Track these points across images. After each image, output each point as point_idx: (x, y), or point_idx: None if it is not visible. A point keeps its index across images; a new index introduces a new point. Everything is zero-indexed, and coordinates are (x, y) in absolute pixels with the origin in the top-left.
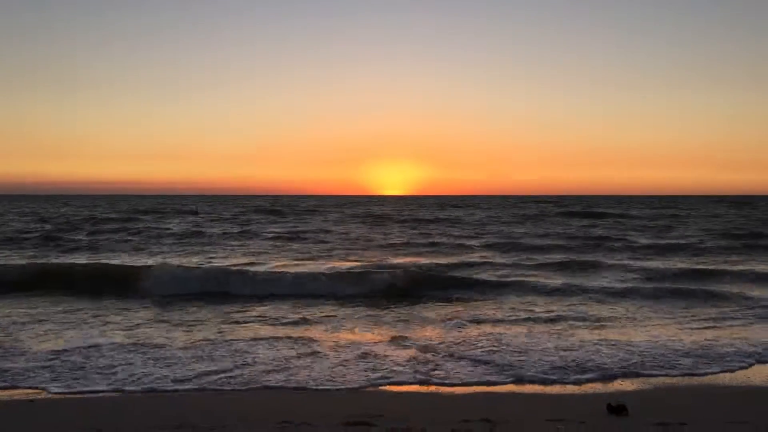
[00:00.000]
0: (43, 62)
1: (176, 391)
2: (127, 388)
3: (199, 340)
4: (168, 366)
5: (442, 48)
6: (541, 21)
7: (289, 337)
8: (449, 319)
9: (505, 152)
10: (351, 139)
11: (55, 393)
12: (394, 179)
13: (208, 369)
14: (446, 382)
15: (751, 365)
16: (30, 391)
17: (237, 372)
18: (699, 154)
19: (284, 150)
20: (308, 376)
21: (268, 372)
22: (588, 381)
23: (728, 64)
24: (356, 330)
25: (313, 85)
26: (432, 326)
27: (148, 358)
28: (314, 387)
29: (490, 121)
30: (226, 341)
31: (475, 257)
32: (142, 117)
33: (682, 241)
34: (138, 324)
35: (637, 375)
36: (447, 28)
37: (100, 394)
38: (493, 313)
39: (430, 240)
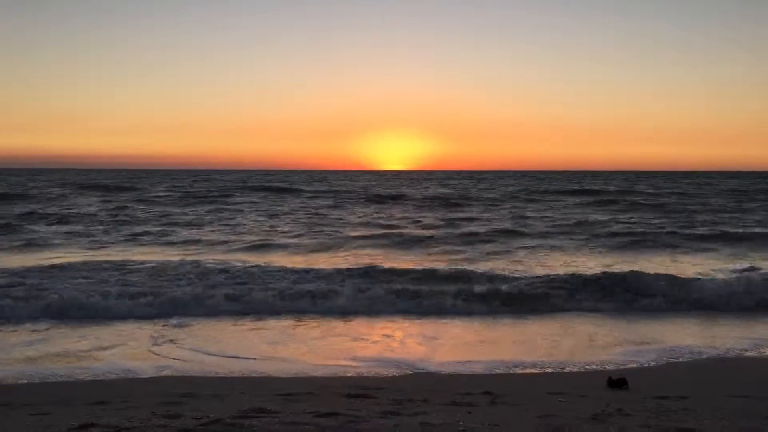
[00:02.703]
0: (41, 38)
1: None
2: None
3: None
4: None
5: (447, 16)
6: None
7: None
8: None
9: (509, 126)
10: (351, 109)
11: None
12: (397, 153)
13: None
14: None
15: None
16: None
17: None
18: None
19: (283, 123)
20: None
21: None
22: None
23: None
24: None
25: (310, 54)
26: None
27: None
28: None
29: (495, 93)
30: None
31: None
32: (137, 92)
33: None
34: None
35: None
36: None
37: None
38: None
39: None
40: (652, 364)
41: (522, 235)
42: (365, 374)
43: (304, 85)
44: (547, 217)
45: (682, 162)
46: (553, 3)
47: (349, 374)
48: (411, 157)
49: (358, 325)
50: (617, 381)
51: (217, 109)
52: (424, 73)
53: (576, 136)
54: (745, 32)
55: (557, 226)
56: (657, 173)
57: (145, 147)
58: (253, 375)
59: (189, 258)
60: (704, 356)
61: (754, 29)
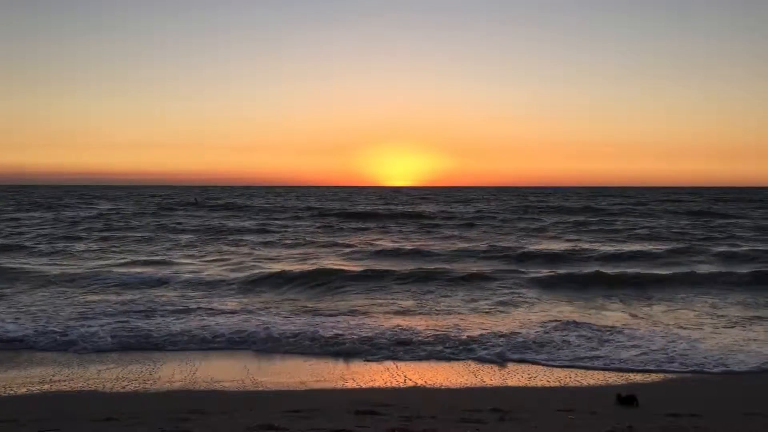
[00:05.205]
0: (45, 58)
1: None
2: None
3: None
4: None
5: (448, 35)
6: (547, 13)
7: None
8: None
9: (514, 142)
10: (356, 125)
11: None
12: (400, 169)
13: None
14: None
15: None
16: None
17: None
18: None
19: (287, 138)
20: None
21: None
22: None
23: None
24: None
25: (315, 70)
26: None
27: None
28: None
29: (499, 108)
30: None
31: None
32: (143, 109)
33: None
34: None
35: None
36: (450, 15)
37: None
38: None
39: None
40: (661, 380)
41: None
42: (372, 389)
43: (306, 100)
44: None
45: (686, 178)
46: (556, 20)
47: (355, 389)
48: (417, 172)
49: None
50: (627, 398)
51: (218, 124)
52: (428, 89)
53: (580, 152)
54: (744, 49)
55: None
56: (656, 189)
57: (143, 163)
58: (260, 390)
59: None
60: (713, 372)
61: (753, 46)
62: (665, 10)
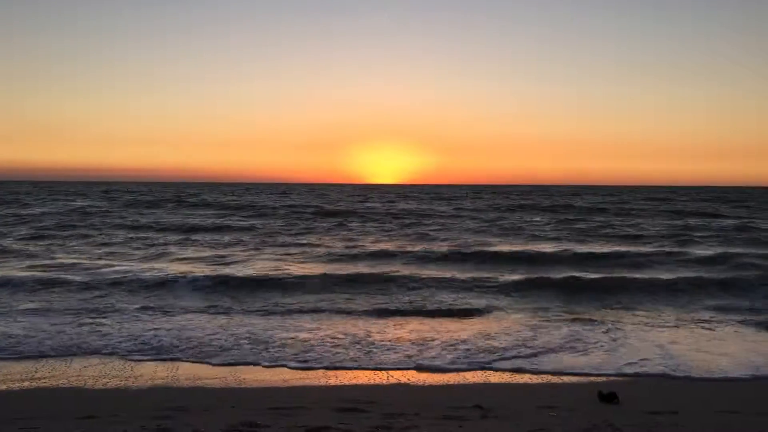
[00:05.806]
0: (34, 52)
1: None
2: None
3: None
4: None
5: (441, 33)
6: (543, 13)
7: None
8: None
9: (500, 141)
10: (341, 121)
11: None
12: (391, 167)
13: None
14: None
15: None
16: None
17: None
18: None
19: (278, 135)
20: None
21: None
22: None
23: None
24: None
25: (302, 68)
26: None
27: None
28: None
29: (487, 106)
30: None
31: None
32: (127, 105)
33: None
34: None
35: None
36: (449, 15)
37: None
38: None
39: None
40: (641, 380)
41: None
42: (355, 386)
43: (298, 98)
44: None
45: (686, 177)
46: (549, 20)
47: (338, 386)
48: (408, 170)
49: None
50: (608, 395)
51: (207, 120)
52: (423, 88)
53: (577, 151)
54: (744, 49)
55: None
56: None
57: (134, 159)
58: (243, 387)
59: None
60: (691, 374)
61: (753, 46)
62: (665, 11)
